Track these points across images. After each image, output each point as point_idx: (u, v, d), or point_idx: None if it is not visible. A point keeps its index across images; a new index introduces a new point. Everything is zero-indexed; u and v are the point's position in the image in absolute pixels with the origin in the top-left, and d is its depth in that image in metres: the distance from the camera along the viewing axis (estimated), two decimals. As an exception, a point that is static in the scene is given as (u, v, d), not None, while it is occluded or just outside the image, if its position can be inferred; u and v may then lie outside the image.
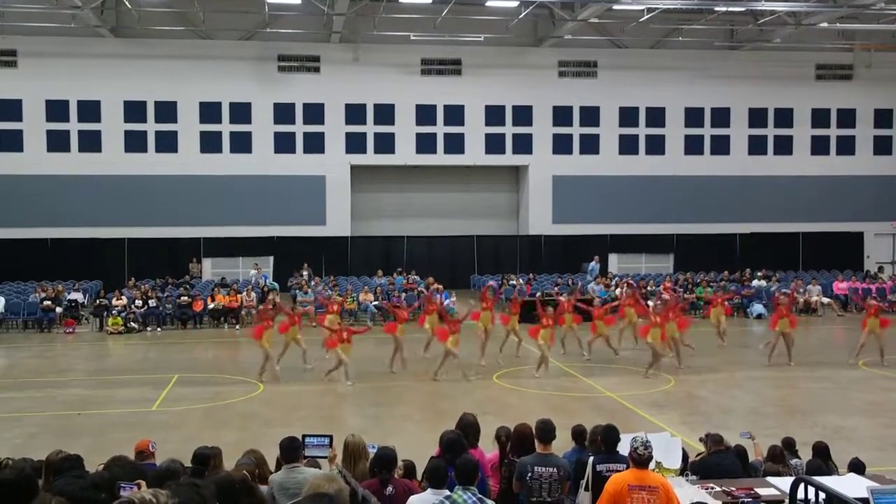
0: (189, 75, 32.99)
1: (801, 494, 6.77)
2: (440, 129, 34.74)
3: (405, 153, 34.58)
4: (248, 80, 33.49)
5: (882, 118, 37.03)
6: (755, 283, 31.08)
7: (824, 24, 30.90)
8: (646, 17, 30.27)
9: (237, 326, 26.44)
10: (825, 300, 29.60)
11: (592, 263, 32.81)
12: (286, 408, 15.93)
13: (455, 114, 34.75)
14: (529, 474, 7.46)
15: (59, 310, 26.43)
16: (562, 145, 35.43)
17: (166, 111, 33.17)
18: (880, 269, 34.81)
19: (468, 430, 8.24)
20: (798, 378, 18.62)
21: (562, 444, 8.59)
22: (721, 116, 36.19)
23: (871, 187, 36.40)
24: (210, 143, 33.49)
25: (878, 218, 36.60)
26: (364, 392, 17.68)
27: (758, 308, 28.66)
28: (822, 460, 9.65)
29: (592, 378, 18.63)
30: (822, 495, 6.54)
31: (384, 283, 29.54)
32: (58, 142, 32.62)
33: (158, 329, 26.18)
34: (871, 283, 31.57)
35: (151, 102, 33.09)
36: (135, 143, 33.06)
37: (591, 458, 7.80)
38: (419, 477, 8.05)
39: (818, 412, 15.51)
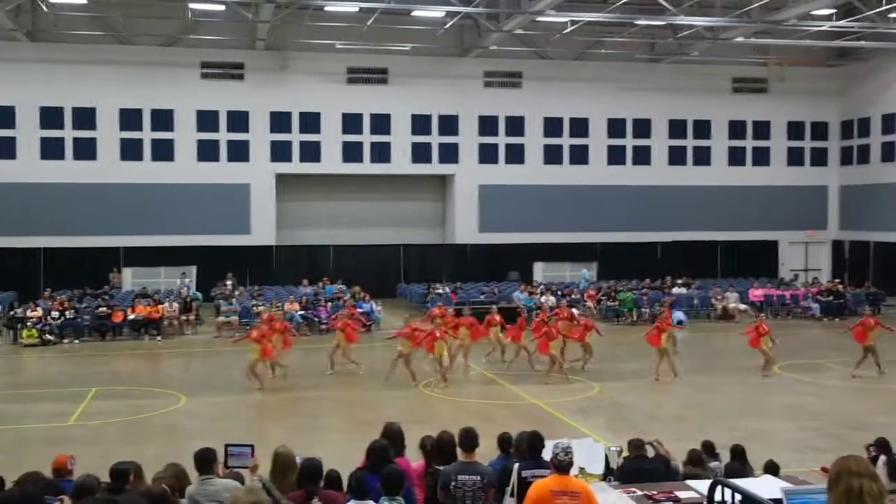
0: (109, 81, 32.18)
1: (718, 496, 6.91)
2: (366, 138, 34.63)
3: (331, 162, 34.37)
4: (171, 87, 32.84)
5: (795, 130, 38.27)
6: (675, 290, 31.77)
7: (740, 39, 31.87)
8: (569, 29, 30.76)
9: (158, 337, 25.86)
10: (742, 306, 30.46)
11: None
12: (208, 420, 15.65)
13: (381, 123, 34.69)
14: (453, 483, 7.46)
15: (-31, 322, 25.52)
16: (487, 155, 35.67)
17: (84, 117, 32.33)
18: (796, 276, 35.93)
19: (393, 439, 8.22)
20: (719, 384, 19.07)
21: (488, 452, 8.62)
22: (642, 127, 36.92)
23: (786, 197, 37.57)
24: (130, 151, 32.74)
25: (792, 227, 37.79)
26: (287, 403, 17.49)
27: (678, 315, 29.21)
28: (740, 463, 9.89)
29: (518, 385, 18.76)
30: (737, 497, 6.68)
31: (310, 293, 29.28)
32: (-31, 148, 31.53)
33: (76, 341, 25.41)
34: (786, 289, 32.58)
35: (69, 108, 32.23)
36: (52, 149, 32.10)
37: (517, 465, 7.83)
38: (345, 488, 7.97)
39: (738, 416, 15.90)
